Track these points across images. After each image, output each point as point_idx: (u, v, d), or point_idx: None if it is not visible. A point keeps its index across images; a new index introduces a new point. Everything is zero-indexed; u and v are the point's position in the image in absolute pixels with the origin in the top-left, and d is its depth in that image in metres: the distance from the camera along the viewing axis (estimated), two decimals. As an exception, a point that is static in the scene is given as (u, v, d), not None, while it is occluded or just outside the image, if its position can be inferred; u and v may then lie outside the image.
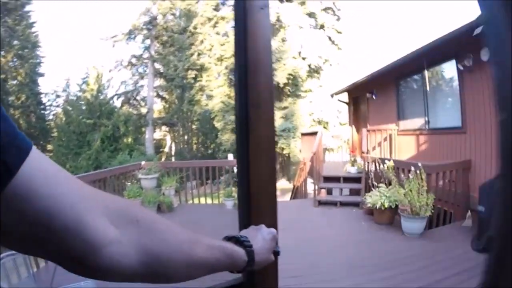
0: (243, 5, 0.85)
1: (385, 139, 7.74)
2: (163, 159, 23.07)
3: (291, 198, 10.90)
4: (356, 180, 6.95)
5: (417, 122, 6.72)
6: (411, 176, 4.62)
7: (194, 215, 6.29)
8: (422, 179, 4.51)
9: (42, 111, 23.29)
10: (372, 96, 8.74)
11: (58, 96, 23.37)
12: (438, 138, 6.02)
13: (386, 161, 5.24)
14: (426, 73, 5.92)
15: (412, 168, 4.63)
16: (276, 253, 0.72)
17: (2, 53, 19.21)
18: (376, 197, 5.11)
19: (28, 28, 20.35)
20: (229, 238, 0.64)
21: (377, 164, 5.86)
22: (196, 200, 7.93)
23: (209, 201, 8.11)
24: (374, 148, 7.83)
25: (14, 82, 20.79)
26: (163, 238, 0.45)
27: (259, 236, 0.69)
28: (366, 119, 9.39)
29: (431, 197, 4.43)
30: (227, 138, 17.44)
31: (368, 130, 7.69)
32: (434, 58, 5.84)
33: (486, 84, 4.84)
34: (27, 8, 19.59)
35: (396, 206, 4.90)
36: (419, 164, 4.56)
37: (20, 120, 21.38)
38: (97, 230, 0.36)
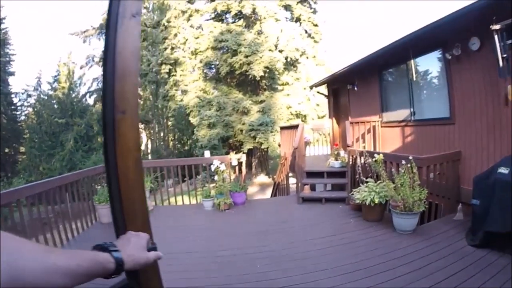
0: (116, 11, 0.84)
1: (368, 131, 7.58)
2: (139, 157, 22.42)
3: (272, 195, 10.64)
4: (341, 174, 6.74)
5: (402, 114, 6.54)
6: (402, 170, 4.41)
7: (171, 218, 5.86)
8: (413, 172, 4.30)
9: (14, 112, 22.07)
10: (353, 88, 8.54)
11: (29, 96, 22.23)
12: (425, 129, 5.86)
13: (375, 154, 5.01)
14: (412, 63, 5.72)
15: (403, 162, 4.40)
16: (153, 249, 0.82)
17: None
18: (365, 193, 4.89)
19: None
20: (95, 247, 0.70)
21: (364, 158, 5.64)
22: (173, 200, 7.59)
23: (186, 200, 7.82)
24: (357, 140, 7.66)
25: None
26: (17, 251, 0.52)
27: (131, 239, 0.77)
28: (347, 111, 9.20)
29: (424, 192, 4.22)
30: (204, 134, 16.95)
31: (350, 123, 7.48)
32: (420, 47, 5.65)
33: (475, 74, 4.68)
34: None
35: (386, 201, 4.71)
36: (410, 157, 4.35)
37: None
38: None
